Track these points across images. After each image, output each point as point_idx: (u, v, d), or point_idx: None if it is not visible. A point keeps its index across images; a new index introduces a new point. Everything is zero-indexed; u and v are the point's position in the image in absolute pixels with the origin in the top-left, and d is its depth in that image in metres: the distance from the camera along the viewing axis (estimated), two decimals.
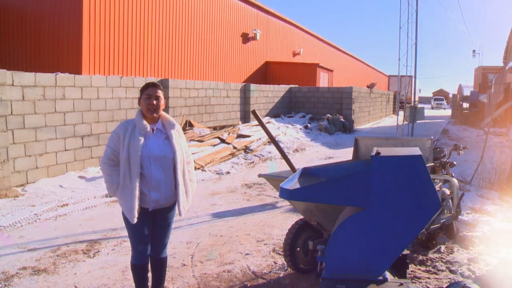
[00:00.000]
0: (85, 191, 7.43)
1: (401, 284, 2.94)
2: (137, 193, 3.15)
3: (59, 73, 8.35)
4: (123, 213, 3.29)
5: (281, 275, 4.29)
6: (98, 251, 4.89)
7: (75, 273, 4.30)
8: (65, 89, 8.27)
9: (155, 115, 3.27)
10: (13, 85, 7.26)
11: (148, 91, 3.25)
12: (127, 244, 5.07)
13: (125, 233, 5.38)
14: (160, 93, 3.28)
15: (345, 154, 11.88)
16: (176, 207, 3.34)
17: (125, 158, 3.17)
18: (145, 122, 3.24)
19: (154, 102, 3.24)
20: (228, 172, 9.52)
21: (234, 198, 7.41)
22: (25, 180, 7.48)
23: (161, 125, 3.33)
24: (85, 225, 5.83)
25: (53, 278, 4.19)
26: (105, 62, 13.06)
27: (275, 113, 18.32)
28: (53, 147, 8.01)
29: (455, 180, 4.84)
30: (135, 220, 3.18)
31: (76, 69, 12.03)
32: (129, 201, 3.17)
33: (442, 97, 65.79)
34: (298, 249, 4.20)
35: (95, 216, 6.21)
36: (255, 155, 11.50)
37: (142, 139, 3.18)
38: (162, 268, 3.51)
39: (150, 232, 3.37)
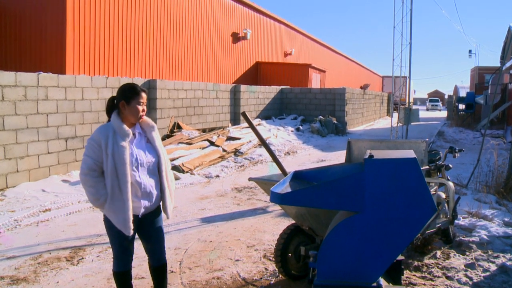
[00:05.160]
0: (69, 195, 7.25)
1: None
2: (130, 203, 3.02)
3: (41, 72, 8.17)
4: (105, 220, 3.15)
5: (272, 282, 4.25)
6: (82, 258, 4.77)
7: (58, 282, 4.19)
8: (48, 89, 8.07)
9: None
10: None
11: (142, 97, 3.13)
12: None
13: None
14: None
15: (338, 157, 11.88)
16: (162, 210, 3.29)
17: (111, 169, 2.99)
18: (125, 127, 3.08)
19: (145, 108, 3.17)
20: (217, 176, 9.41)
21: (224, 202, 7.32)
22: (5, 184, 7.25)
23: (140, 128, 3.22)
24: (69, 231, 5.69)
25: (33, 287, 4.07)
26: (90, 62, 12.82)
27: (266, 115, 18.25)
28: (35, 149, 7.79)
29: (451, 184, 4.81)
30: (131, 232, 3.07)
31: (59, 69, 11.78)
32: (122, 213, 3.02)
33: (437, 98, 65.88)
34: (290, 254, 4.17)
35: (79, 222, 6.06)
36: (245, 158, 11.40)
37: (127, 146, 3.04)
38: (164, 275, 3.42)
39: (134, 238, 3.28)
